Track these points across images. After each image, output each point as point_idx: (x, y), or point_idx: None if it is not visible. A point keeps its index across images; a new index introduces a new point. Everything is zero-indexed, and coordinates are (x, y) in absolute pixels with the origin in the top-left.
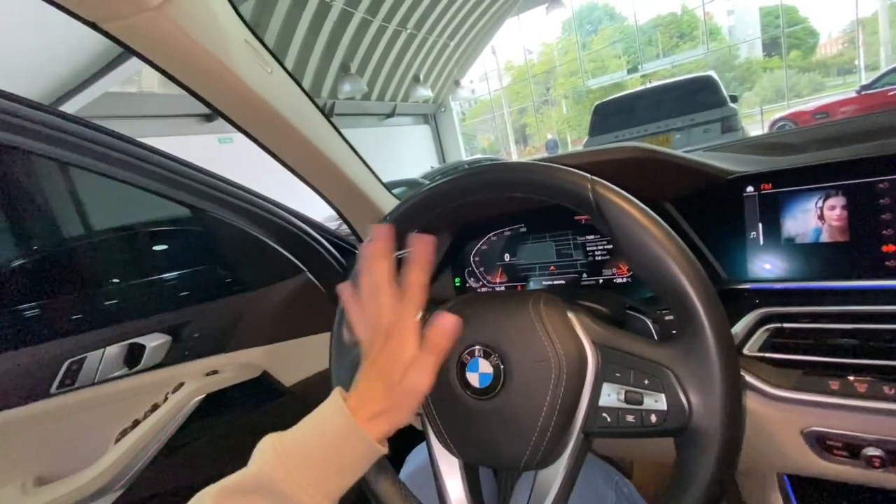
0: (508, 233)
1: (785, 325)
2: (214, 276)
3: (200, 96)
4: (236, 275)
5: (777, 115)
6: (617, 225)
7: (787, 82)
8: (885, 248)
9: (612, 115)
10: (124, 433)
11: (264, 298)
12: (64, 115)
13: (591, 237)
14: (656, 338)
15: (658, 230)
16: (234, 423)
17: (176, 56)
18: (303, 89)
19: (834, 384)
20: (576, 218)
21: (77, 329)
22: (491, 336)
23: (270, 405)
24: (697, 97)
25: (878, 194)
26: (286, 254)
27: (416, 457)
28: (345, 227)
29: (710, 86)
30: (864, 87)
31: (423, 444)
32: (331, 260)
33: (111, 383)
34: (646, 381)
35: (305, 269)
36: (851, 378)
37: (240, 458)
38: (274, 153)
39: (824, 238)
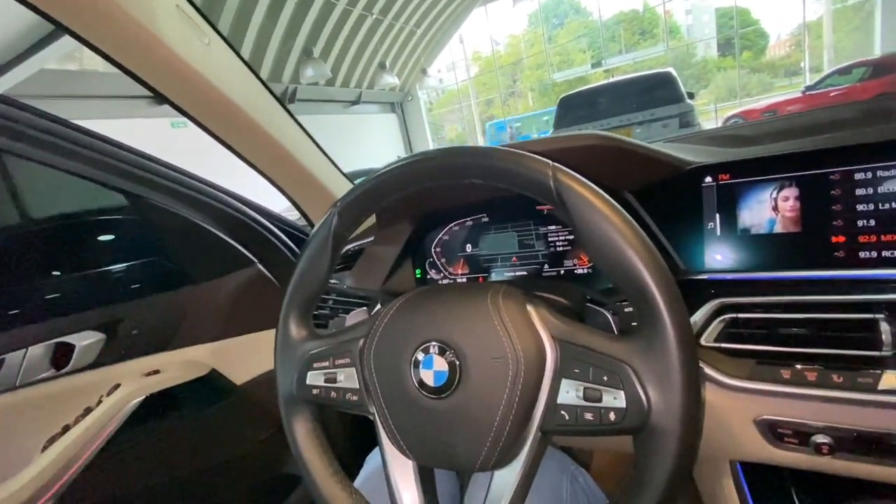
0: (470, 223)
1: (739, 315)
2: (156, 269)
3: (127, 68)
4: (180, 267)
5: (730, 113)
6: (578, 214)
7: (739, 81)
8: (834, 239)
9: (576, 108)
10: (52, 440)
11: (212, 292)
12: None
13: (553, 227)
14: (616, 331)
15: (620, 221)
16: (180, 425)
17: (97, 22)
18: (247, 64)
19: (785, 373)
20: (538, 208)
21: None
22: (447, 332)
23: (219, 405)
24: (657, 93)
25: (830, 185)
26: (235, 244)
27: (374, 460)
28: (301, 218)
29: (670, 82)
30: (809, 88)
31: (377, 451)
32: (284, 250)
33: (36, 386)
34: (605, 378)
35: (256, 261)
36: (802, 367)
37: (187, 462)
38: (215, 134)
39: (778, 229)
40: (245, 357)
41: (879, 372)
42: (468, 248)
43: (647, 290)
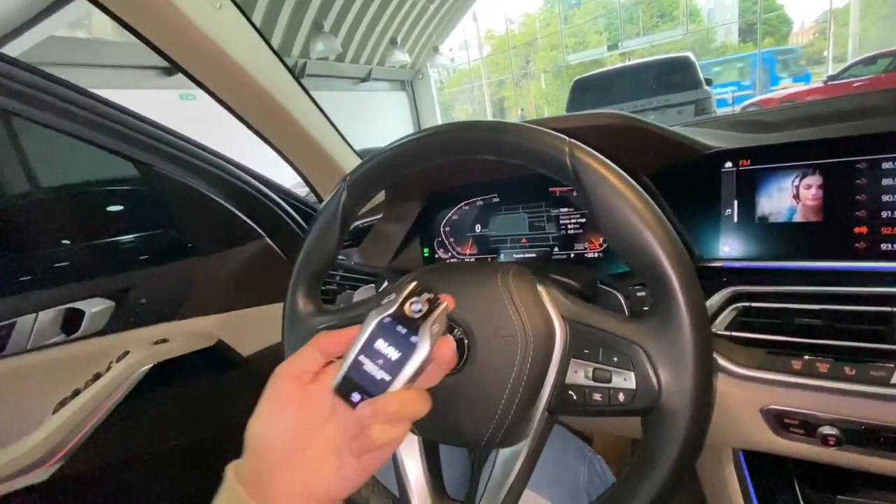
0: (481, 202)
1: (752, 304)
2: (165, 239)
3: (137, 31)
4: (189, 238)
5: (747, 101)
6: (594, 193)
7: (759, 69)
8: (856, 230)
9: (590, 91)
10: (63, 403)
11: (220, 264)
12: None
13: (565, 210)
14: (627, 314)
15: (638, 200)
16: (186, 394)
17: None
18: (259, 32)
19: (797, 364)
20: (551, 189)
21: (6, 292)
22: (456, 309)
23: (226, 376)
24: (674, 78)
25: (855, 174)
26: (243, 217)
27: None
28: (311, 194)
29: (687, 67)
30: (831, 78)
31: None
32: (292, 225)
33: (47, 350)
34: (615, 359)
35: (264, 234)
36: (814, 358)
37: (191, 430)
38: (225, 102)
39: (798, 218)
40: (252, 329)
41: (892, 366)
42: (478, 228)
43: (663, 271)
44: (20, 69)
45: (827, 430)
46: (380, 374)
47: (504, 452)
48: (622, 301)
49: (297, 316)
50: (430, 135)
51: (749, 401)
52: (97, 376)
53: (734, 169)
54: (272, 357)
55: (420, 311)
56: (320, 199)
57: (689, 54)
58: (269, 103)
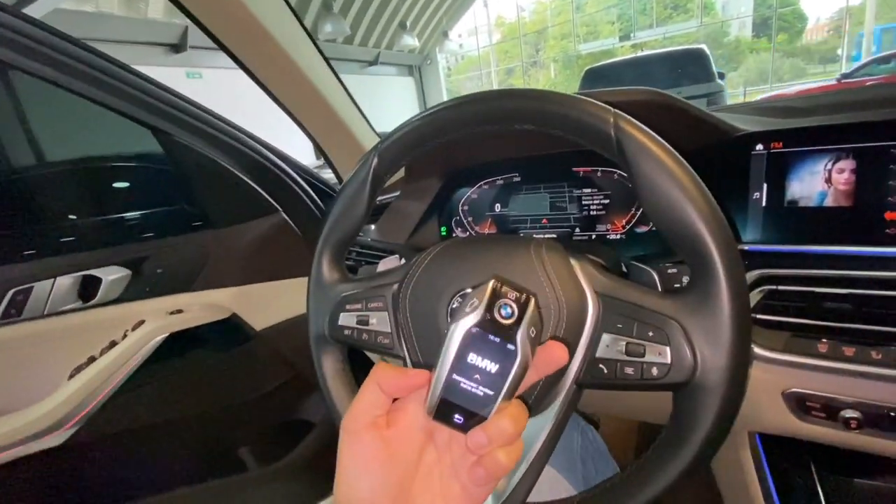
0: (501, 182)
1: (779, 287)
2: (182, 210)
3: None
4: (205, 210)
5: (760, 97)
6: (638, 165)
7: (772, 65)
8: (887, 216)
9: (601, 81)
10: (78, 370)
11: (235, 237)
12: (13, 13)
13: (588, 191)
14: (660, 290)
15: (685, 175)
16: (199, 365)
17: None
18: (290, 7)
19: (822, 347)
20: (573, 170)
21: (24, 257)
22: (485, 278)
23: (238, 349)
24: (687, 70)
25: (890, 159)
26: (260, 191)
27: None
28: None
29: (700, 59)
30: (845, 76)
31: None
32: (308, 202)
33: (64, 317)
34: (650, 333)
35: (280, 209)
36: (839, 341)
37: (203, 401)
38: (251, 70)
39: (828, 202)
40: (265, 304)
41: None
42: (497, 207)
43: (707, 248)
44: (47, 33)
45: (849, 413)
46: (481, 391)
47: (530, 423)
48: (655, 277)
49: (322, 283)
50: (466, 102)
51: (772, 384)
52: (113, 344)
53: (765, 152)
54: (284, 332)
55: (511, 314)
56: (339, 178)
57: (704, 46)
58: (293, 71)
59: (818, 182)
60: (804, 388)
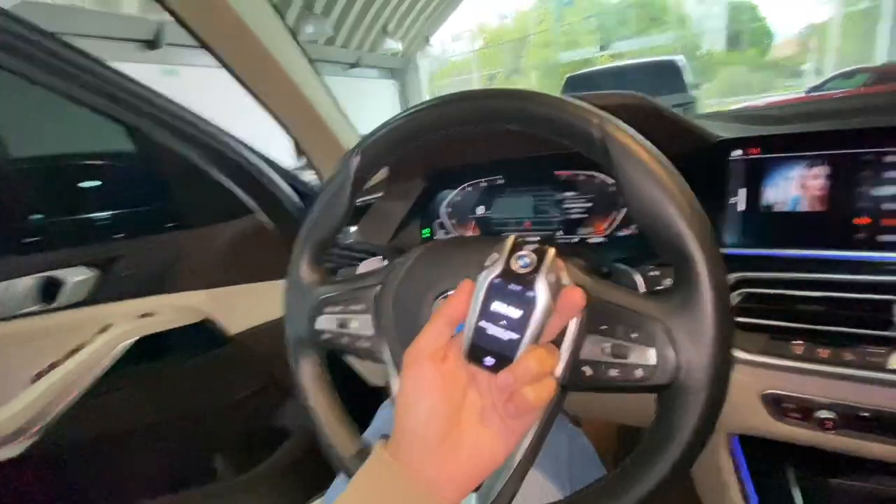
0: (485, 184)
1: (756, 290)
2: (154, 209)
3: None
4: (179, 209)
5: (731, 108)
6: (623, 167)
7: (741, 78)
8: (856, 221)
9: (582, 88)
10: (40, 376)
11: (210, 238)
12: None
13: (570, 194)
14: (643, 292)
15: (669, 178)
16: (169, 371)
17: None
18: (273, 5)
19: (798, 349)
20: (556, 173)
21: None
22: (472, 279)
23: (211, 353)
24: (662, 80)
25: (860, 167)
26: (238, 190)
27: (384, 413)
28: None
29: (676, 70)
30: (813, 89)
31: (389, 402)
32: (287, 202)
33: (25, 320)
34: (634, 335)
35: (259, 210)
36: (815, 344)
37: (174, 409)
38: (231, 67)
39: (802, 207)
40: (240, 307)
41: (889, 351)
42: (480, 209)
43: (690, 250)
44: (14, 22)
45: (824, 414)
46: (507, 335)
47: None
48: (639, 279)
49: (300, 284)
50: (452, 101)
51: (750, 385)
52: (79, 348)
53: (743, 157)
54: (259, 337)
55: (528, 264)
56: (320, 178)
57: (679, 58)
58: (279, 74)
59: (793, 188)
60: (781, 390)
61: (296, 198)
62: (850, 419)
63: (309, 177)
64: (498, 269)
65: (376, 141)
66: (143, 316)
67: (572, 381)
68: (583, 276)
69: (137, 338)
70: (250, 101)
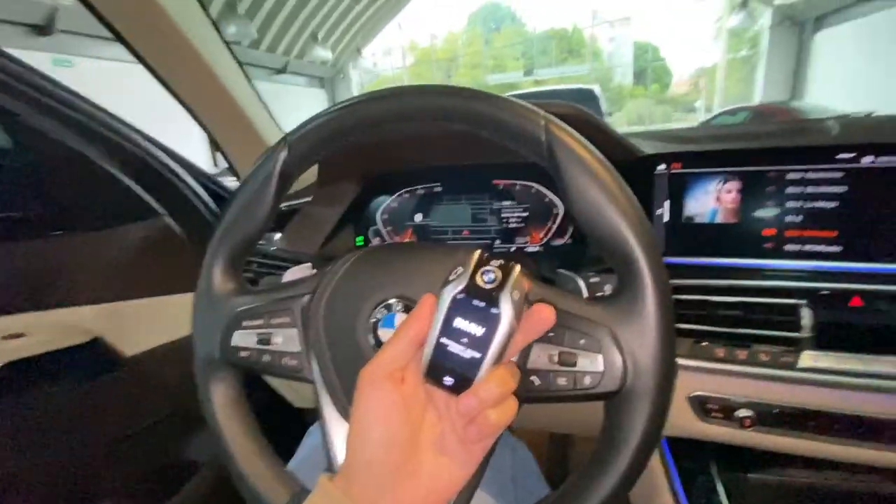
0: (422, 191)
1: (680, 296)
2: (31, 209)
3: None
4: (63, 210)
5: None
6: (568, 171)
7: (647, 110)
8: (765, 232)
9: None
10: None
11: (103, 244)
12: None
13: (508, 203)
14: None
15: (613, 182)
16: (48, 402)
17: None
18: None
19: (719, 351)
20: (494, 182)
21: None
22: (413, 288)
23: (103, 380)
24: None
25: (767, 182)
26: (138, 190)
27: (311, 440)
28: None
29: (593, 99)
30: (703, 124)
31: (316, 427)
32: (198, 205)
33: None
34: (581, 341)
35: (165, 213)
36: (734, 346)
37: (55, 446)
38: (137, 50)
39: (719, 219)
40: (140, 324)
41: (799, 352)
42: (418, 217)
43: (634, 254)
44: None
45: (743, 412)
46: (468, 353)
47: None
48: (582, 284)
49: (212, 294)
50: (392, 95)
51: (677, 388)
52: None
53: (667, 171)
54: (164, 358)
55: (494, 280)
56: (234, 170)
57: (596, 87)
58: (193, 58)
59: (710, 200)
60: (705, 391)
61: (211, 202)
62: (766, 416)
63: (230, 183)
64: (462, 284)
65: (306, 134)
66: (11, 336)
67: (520, 392)
68: (529, 282)
69: (3, 363)
70: (159, 101)
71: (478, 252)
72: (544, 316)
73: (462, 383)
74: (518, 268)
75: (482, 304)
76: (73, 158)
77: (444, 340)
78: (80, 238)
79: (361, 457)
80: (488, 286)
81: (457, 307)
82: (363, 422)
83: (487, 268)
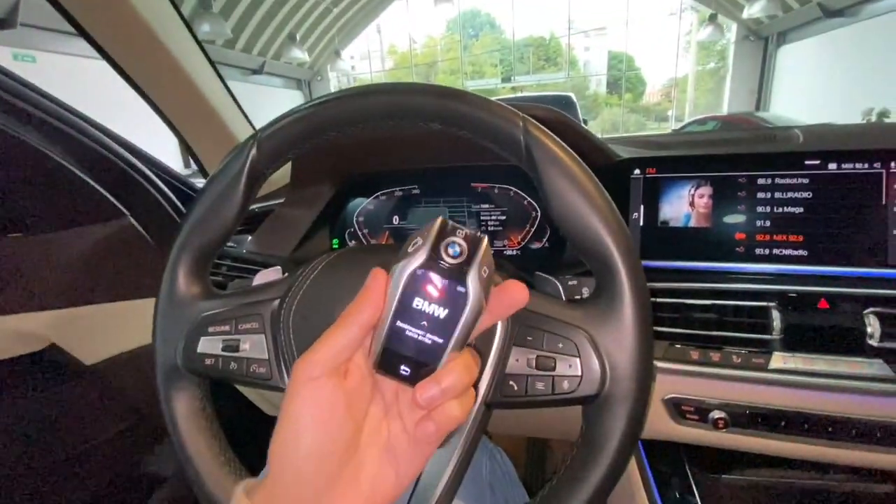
0: (400, 193)
1: (655, 299)
2: None
3: None
4: (15, 209)
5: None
6: (546, 172)
7: (621, 119)
8: (737, 236)
9: None
10: None
11: (59, 245)
12: None
13: (486, 206)
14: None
15: (591, 184)
16: (2, 412)
17: None
18: None
19: (694, 354)
20: (472, 185)
21: None
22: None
23: (59, 389)
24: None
25: (738, 188)
26: (99, 188)
27: None
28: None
29: (569, 106)
30: (674, 132)
31: None
32: (164, 204)
33: None
34: (559, 345)
35: (128, 213)
36: (708, 348)
37: (10, 461)
38: (104, 49)
39: (692, 223)
40: (100, 331)
41: (770, 353)
42: (395, 219)
43: (612, 257)
44: None
45: (717, 414)
46: (429, 338)
47: (437, 452)
48: (560, 287)
49: (175, 298)
50: (369, 92)
51: (653, 391)
52: None
53: (641, 176)
54: (126, 366)
55: (459, 253)
56: (203, 170)
57: (572, 95)
58: (159, 52)
59: (684, 205)
60: (680, 393)
61: (179, 203)
62: (739, 417)
63: (200, 184)
64: (422, 258)
65: (279, 131)
66: None
67: (498, 398)
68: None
69: None
70: (130, 100)
71: (440, 220)
72: (517, 294)
73: (421, 372)
74: (486, 241)
75: (446, 282)
76: (30, 156)
77: (399, 325)
78: (36, 240)
79: (289, 467)
80: (453, 260)
81: (415, 285)
82: (293, 427)
83: (453, 238)
